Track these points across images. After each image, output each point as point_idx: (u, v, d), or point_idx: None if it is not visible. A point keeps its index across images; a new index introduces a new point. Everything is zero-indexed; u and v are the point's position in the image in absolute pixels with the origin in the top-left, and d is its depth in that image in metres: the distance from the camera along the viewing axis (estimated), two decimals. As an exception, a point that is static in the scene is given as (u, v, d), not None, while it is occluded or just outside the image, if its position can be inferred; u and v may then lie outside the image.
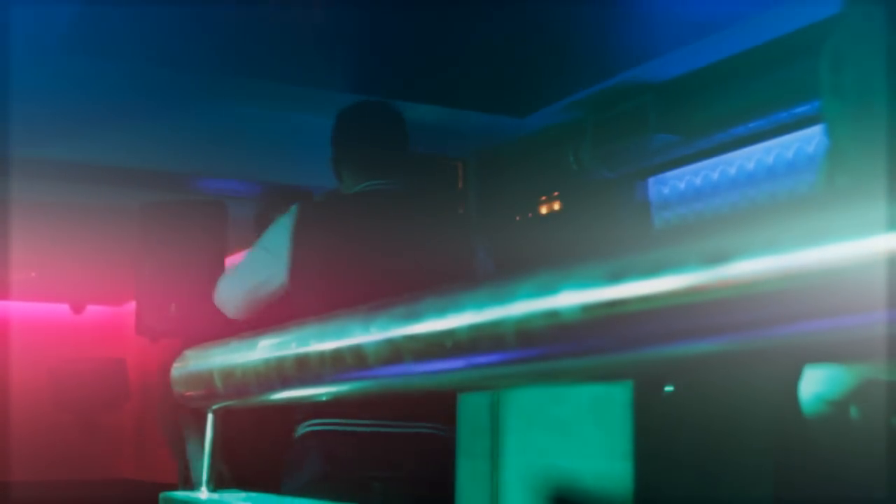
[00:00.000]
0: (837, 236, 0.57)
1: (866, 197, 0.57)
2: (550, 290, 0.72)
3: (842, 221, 0.57)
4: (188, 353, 1.47)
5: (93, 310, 8.39)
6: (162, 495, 1.45)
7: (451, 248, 2.76)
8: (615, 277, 0.67)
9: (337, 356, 1.00)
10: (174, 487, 3.11)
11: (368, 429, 2.49)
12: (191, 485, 2.77)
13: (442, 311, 0.84)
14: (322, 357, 1.03)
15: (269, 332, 1.22)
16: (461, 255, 2.76)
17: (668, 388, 0.95)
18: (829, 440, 1.06)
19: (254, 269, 2.78)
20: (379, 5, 3.26)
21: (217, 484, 1.45)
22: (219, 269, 4.20)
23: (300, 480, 2.52)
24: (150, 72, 3.83)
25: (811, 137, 3.50)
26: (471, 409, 1.17)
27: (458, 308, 0.82)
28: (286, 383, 1.14)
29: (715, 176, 3.91)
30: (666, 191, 4.12)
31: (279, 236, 2.73)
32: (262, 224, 3.56)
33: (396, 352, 0.91)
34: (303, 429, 2.57)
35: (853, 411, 1.07)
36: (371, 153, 2.85)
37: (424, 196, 3.08)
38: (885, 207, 0.55)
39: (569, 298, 0.71)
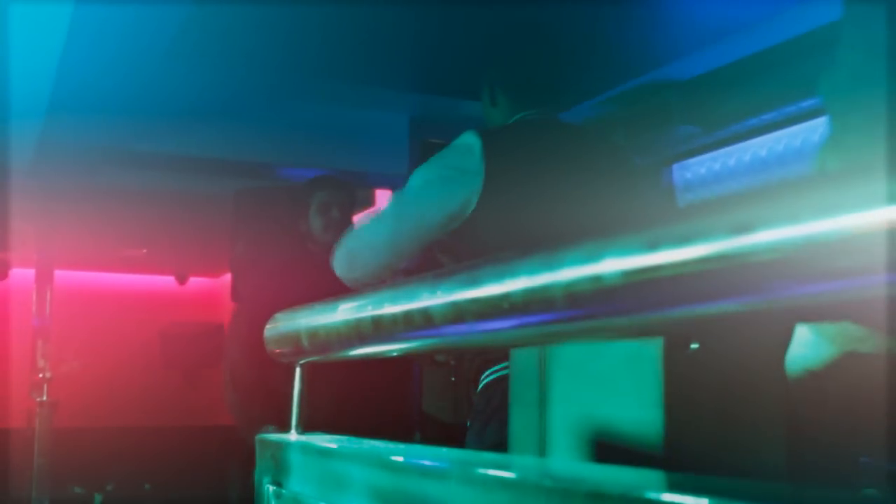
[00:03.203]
0: (838, 210, 0.56)
1: (860, 176, 0.56)
2: (595, 257, 0.72)
3: (841, 197, 0.56)
4: (278, 315, 1.48)
5: (194, 281, 8.48)
6: (258, 438, 1.47)
7: (624, 184, 2.39)
8: (651, 246, 0.67)
9: (408, 317, 1.00)
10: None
11: None
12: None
13: (499, 277, 0.84)
14: (394, 318, 1.04)
15: (347, 297, 1.23)
16: (631, 189, 2.39)
17: (694, 346, 0.94)
18: (805, 407, 1.05)
19: (442, 194, 2.26)
20: (440, 13, 3.25)
21: (305, 428, 1.47)
22: (297, 245, 4.23)
23: (490, 424, 2.25)
24: (242, 75, 3.85)
25: (815, 128, 3.46)
26: (522, 363, 1.17)
27: (513, 274, 0.83)
28: (363, 341, 1.14)
29: (732, 162, 3.87)
30: (689, 175, 4.09)
31: (465, 162, 2.25)
32: (302, 202, 3.50)
33: (459, 313, 0.91)
34: (485, 379, 2.29)
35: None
36: (539, 80, 2.49)
37: (593, 131, 2.64)
38: (877, 186, 0.54)
39: (611, 265, 0.71)
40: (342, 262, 2.47)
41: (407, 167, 4.50)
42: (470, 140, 2.27)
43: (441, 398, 3.13)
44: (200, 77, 3.79)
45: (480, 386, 2.35)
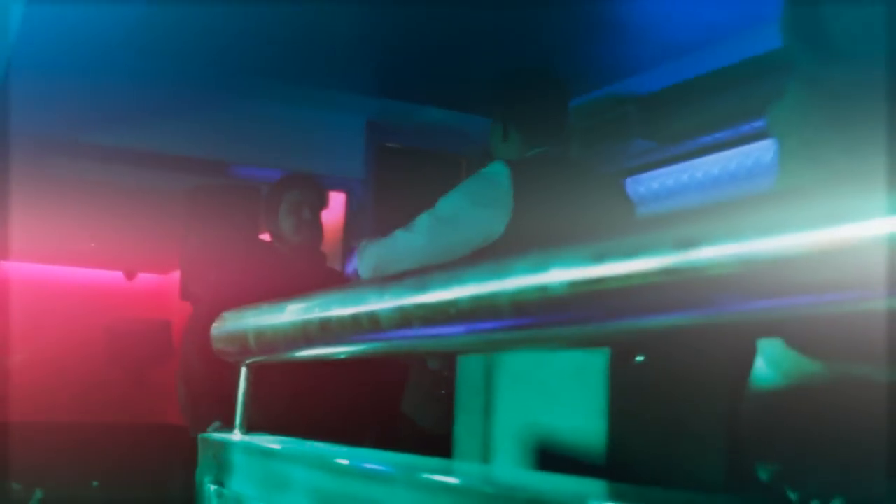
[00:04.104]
0: (781, 229, 0.57)
1: (803, 198, 0.57)
2: (541, 267, 0.73)
3: (785, 216, 0.57)
4: (226, 314, 1.47)
5: (143, 277, 8.40)
6: (201, 437, 1.46)
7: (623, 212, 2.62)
8: (597, 258, 0.68)
9: (355, 320, 1.00)
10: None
11: None
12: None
13: (447, 283, 0.85)
14: (342, 321, 1.03)
15: (295, 298, 1.23)
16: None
17: (639, 358, 0.95)
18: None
19: (474, 219, 2.48)
20: (397, 19, 3.26)
21: (248, 428, 1.46)
22: (252, 243, 4.21)
23: None
24: (199, 72, 3.83)
25: (769, 147, 3.50)
26: (468, 370, 1.17)
27: (460, 281, 0.83)
28: (310, 342, 1.14)
29: (685, 178, 3.91)
30: (642, 189, 4.13)
31: (496, 191, 2.47)
32: (272, 201, 3.50)
33: (406, 317, 0.91)
34: None
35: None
36: (552, 118, 2.67)
37: (598, 167, 2.94)
38: (818, 207, 0.55)
39: (557, 276, 0.71)
40: (368, 267, 2.69)
41: (362, 170, 4.49)
42: (499, 170, 2.49)
43: (424, 400, 3.09)
44: (156, 71, 3.76)
45: None
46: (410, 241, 2.59)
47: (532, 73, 2.78)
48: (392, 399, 3.27)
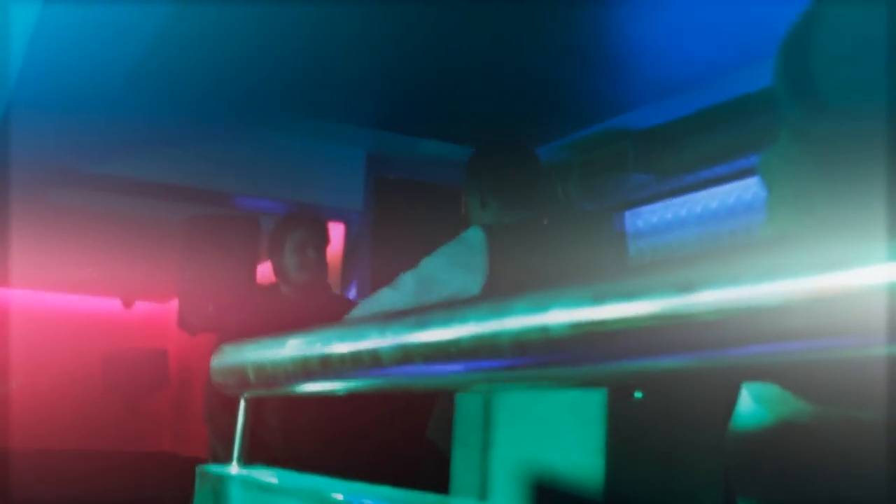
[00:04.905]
0: (776, 275, 0.58)
1: (801, 244, 0.58)
2: (542, 308, 0.73)
3: (782, 262, 0.58)
4: (225, 347, 1.48)
5: (141, 305, 8.40)
6: (198, 468, 1.46)
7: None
8: (597, 300, 0.69)
9: (356, 357, 1.00)
10: (204, 461, 3.10)
11: None
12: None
13: (448, 322, 0.85)
14: (343, 357, 1.04)
15: (296, 332, 1.23)
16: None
17: (638, 395, 0.96)
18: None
19: (447, 284, 2.65)
20: (397, 52, 3.29)
21: (247, 461, 1.46)
22: (251, 275, 4.21)
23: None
24: (197, 105, 3.85)
25: (766, 182, 3.52)
26: (466, 405, 1.17)
27: (462, 319, 0.83)
28: (310, 377, 1.14)
29: (683, 212, 3.93)
30: (640, 223, 4.14)
31: (472, 255, 2.65)
32: (276, 239, 3.52)
33: (407, 355, 0.92)
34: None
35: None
36: (525, 187, 2.83)
37: (582, 228, 3.05)
38: (812, 254, 0.57)
39: (558, 317, 0.72)
40: None
41: (362, 202, 4.50)
42: (475, 235, 2.67)
43: (450, 426, 3.08)
44: (160, 102, 3.78)
45: None
46: (395, 300, 2.73)
47: (507, 145, 2.94)
48: (417, 425, 3.29)
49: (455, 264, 2.68)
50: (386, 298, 2.78)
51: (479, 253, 2.64)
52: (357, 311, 2.86)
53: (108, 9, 2.88)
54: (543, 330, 0.73)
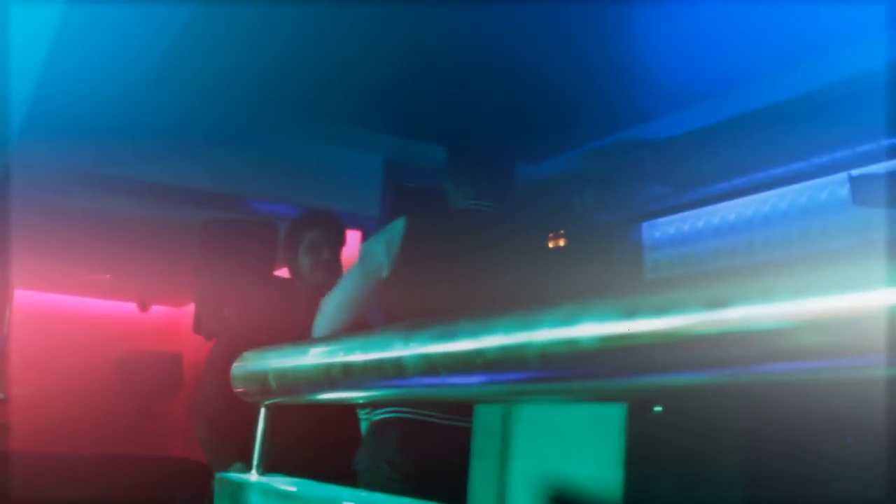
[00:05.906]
0: (807, 294, 0.58)
1: (837, 262, 0.58)
2: (572, 320, 0.73)
3: (806, 282, 0.59)
4: (247, 354, 1.48)
5: (156, 309, 8.42)
6: (217, 475, 1.46)
7: (541, 274, 2.72)
8: (628, 314, 0.69)
9: (379, 366, 1.00)
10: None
11: (440, 420, 2.44)
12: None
13: (475, 333, 0.85)
14: (365, 366, 1.04)
15: (319, 340, 1.23)
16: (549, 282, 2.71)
17: (657, 409, 0.96)
18: None
19: (363, 267, 2.71)
20: (416, 59, 3.29)
21: (265, 469, 1.46)
22: (268, 280, 4.21)
23: (374, 461, 2.45)
24: (219, 107, 3.86)
25: (786, 195, 3.51)
26: (485, 416, 1.17)
27: (489, 331, 0.83)
28: (333, 386, 1.14)
29: (701, 224, 3.91)
30: (658, 234, 4.13)
31: (390, 242, 2.71)
32: (292, 238, 3.53)
33: (432, 365, 0.92)
34: (378, 415, 2.47)
35: None
36: (481, 176, 2.89)
37: (524, 222, 3.02)
38: (844, 274, 0.57)
39: (587, 330, 0.72)
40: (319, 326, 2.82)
41: (379, 208, 4.50)
42: (400, 221, 2.73)
43: None
44: (179, 106, 3.79)
45: (373, 421, 2.56)
46: (350, 273, 2.79)
47: (484, 141, 3.06)
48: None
49: (380, 242, 2.73)
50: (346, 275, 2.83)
51: (397, 234, 2.70)
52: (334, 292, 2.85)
53: (129, 11, 2.89)
54: (572, 343, 0.73)
